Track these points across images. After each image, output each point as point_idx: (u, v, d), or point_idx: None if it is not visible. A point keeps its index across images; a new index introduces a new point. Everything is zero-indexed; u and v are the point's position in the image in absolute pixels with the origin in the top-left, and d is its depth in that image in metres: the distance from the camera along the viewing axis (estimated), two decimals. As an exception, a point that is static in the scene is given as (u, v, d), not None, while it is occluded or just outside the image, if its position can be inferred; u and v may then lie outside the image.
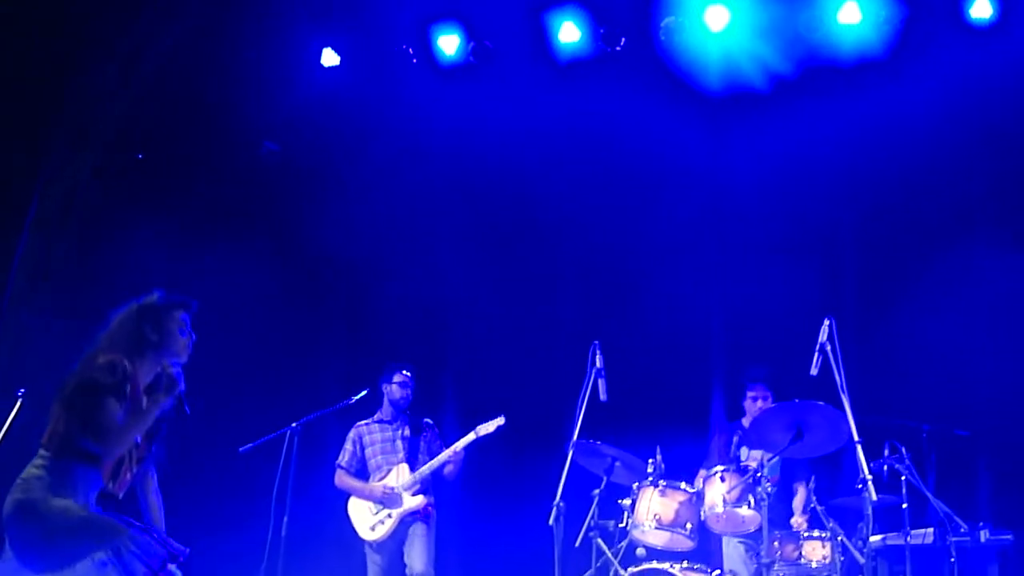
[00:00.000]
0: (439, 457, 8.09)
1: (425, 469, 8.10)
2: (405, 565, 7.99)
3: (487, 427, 8.09)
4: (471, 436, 8.10)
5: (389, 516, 8.01)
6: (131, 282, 9.20)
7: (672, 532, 7.22)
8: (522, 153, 10.24)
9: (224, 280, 9.63)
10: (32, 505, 4.74)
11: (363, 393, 8.05)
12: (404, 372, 8.32)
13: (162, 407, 5.12)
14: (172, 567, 4.92)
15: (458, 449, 8.10)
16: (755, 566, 7.65)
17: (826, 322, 6.85)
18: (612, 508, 7.36)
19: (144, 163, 9.74)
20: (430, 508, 8.11)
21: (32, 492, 4.77)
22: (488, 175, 10.37)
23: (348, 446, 8.33)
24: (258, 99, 9.92)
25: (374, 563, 8.07)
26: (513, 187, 10.35)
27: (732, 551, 7.85)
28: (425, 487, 8.13)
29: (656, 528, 7.20)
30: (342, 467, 8.30)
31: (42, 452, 4.87)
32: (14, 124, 8.96)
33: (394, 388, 8.29)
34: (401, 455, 8.21)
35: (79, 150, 9.40)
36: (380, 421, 8.37)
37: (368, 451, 8.31)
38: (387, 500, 8.01)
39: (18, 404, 6.55)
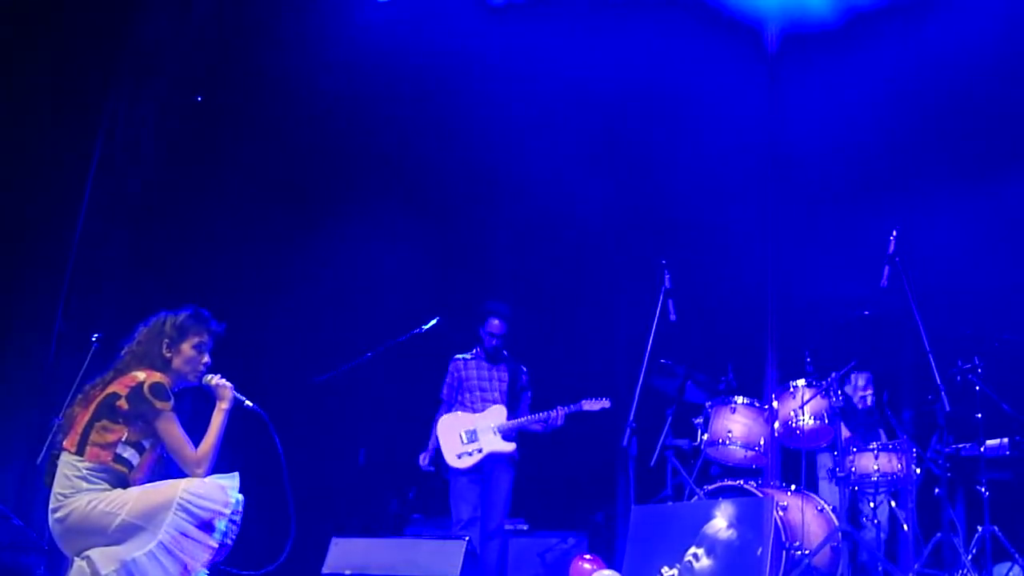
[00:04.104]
0: (538, 416, 8.06)
1: (523, 420, 8.10)
2: (482, 503, 8.02)
3: (592, 404, 8.02)
4: (574, 408, 8.04)
5: (480, 451, 8.02)
6: (199, 220, 9.51)
7: (746, 448, 7.25)
8: (575, 87, 10.26)
9: (304, 222, 9.77)
10: (92, 511, 4.86)
11: (433, 322, 8.12)
12: (495, 320, 8.24)
13: (227, 416, 5.24)
14: (236, 495, 5.03)
15: (560, 415, 8.02)
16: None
17: (894, 233, 6.82)
18: (685, 427, 7.40)
19: (205, 105, 9.79)
20: (516, 455, 8.15)
21: (80, 500, 4.88)
22: (551, 109, 10.39)
23: (449, 380, 8.33)
24: (314, 35, 9.96)
25: (459, 491, 8.06)
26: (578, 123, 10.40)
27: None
28: (513, 435, 8.16)
29: (730, 445, 7.24)
30: (443, 400, 8.29)
31: (76, 461, 4.96)
32: (75, 69, 9.04)
33: (485, 336, 8.28)
34: (496, 395, 8.22)
35: (140, 94, 9.47)
36: (477, 358, 8.35)
37: (465, 384, 8.28)
38: (480, 433, 8.06)
39: (92, 350, 6.72)
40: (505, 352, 8.34)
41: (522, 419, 8.13)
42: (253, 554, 5.46)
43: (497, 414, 8.14)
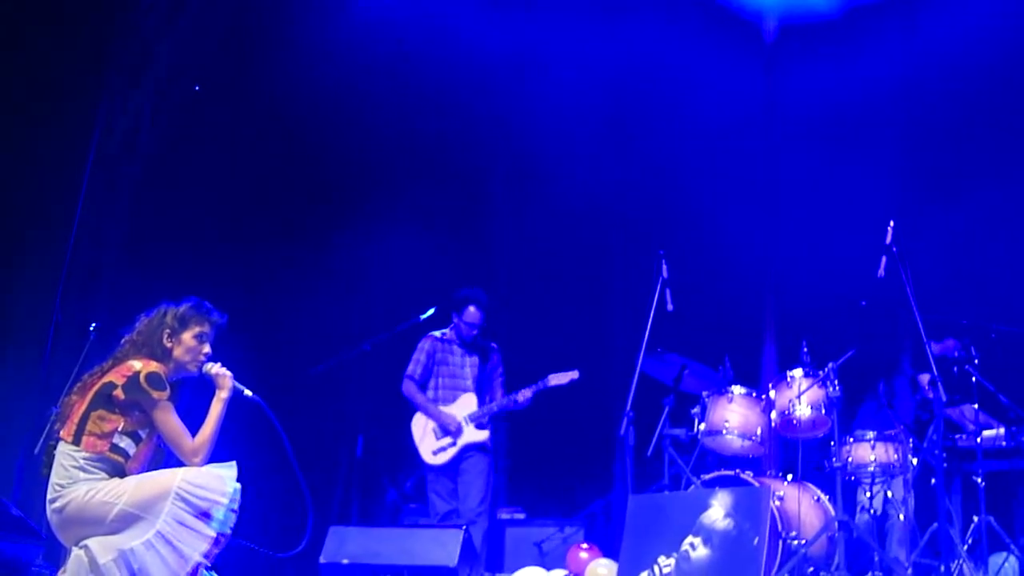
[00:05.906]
0: (507, 399, 8.02)
1: (493, 407, 8.06)
2: (459, 495, 7.99)
3: (559, 378, 7.96)
4: (541, 384, 7.99)
5: (453, 444, 8.00)
6: (196, 211, 9.51)
7: (742, 439, 7.25)
8: (575, 76, 10.27)
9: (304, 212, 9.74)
10: (90, 501, 4.85)
11: (431, 311, 8.11)
12: (471, 308, 8.13)
13: (226, 405, 5.22)
14: (233, 484, 5.01)
15: (527, 396, 7.98)
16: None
17: (891, 223, 6.82)
18: (682, 417, 7.41)
19: (203, 95, 9.77)
20: (489, 443, 8.11)
21: (78, 490, 4.87)
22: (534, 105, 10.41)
23: (420, 357, 8.21)
24: (314, 23, 9.94)
25: (434, 486, 8.05)
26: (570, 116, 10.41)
27: None
28: (486, 421, 8.12)
29: (727, 435, 7.24)
30: (413, 379, 8.17)
31: (73, 451, 4.95)
32: (70, 64, 9.02)
33: (462, 325, 8.20)
34: (469, 382, 8.16)
35: (137, 84, 9.45)
36: (451, 342, 8.26)
37: (438, 369, 8.21)
38: (450, 429, 8.00)
39: (90, 339, 6.72)
40: (479, 338, 8.29)
41: (492, 405, 8.08)
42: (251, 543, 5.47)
43: (467, 403, 8.09)
